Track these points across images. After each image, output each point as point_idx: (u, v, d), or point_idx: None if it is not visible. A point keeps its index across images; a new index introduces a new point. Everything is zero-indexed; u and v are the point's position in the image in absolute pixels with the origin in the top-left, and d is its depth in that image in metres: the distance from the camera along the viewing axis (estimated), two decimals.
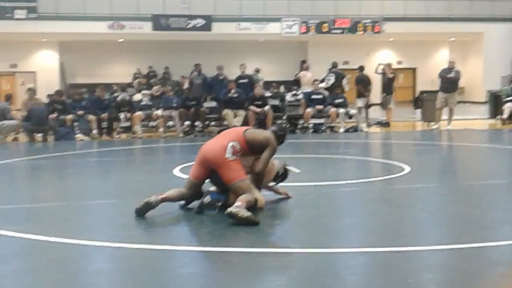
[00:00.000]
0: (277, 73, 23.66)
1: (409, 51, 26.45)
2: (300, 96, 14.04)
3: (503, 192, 5.99)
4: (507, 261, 3.60)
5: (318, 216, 4.84)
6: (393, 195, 5.86)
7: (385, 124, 14.50)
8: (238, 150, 4.81)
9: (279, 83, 19.57)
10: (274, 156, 5.13)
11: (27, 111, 12.34)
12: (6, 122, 12.10)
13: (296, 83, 16.32)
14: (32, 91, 13.69)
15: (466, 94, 24.45)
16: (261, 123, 12.78)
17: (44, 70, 24.01)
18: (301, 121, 13.57)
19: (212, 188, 4.98)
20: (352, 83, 15.38)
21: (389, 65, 15.15)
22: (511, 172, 7.73)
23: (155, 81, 18.27)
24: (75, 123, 12.54)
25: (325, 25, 22.98)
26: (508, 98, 14.67)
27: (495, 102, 16.23)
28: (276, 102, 13.98)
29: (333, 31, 23.12)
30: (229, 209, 4.42)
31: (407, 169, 7.16)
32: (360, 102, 14.66)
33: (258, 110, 12.98)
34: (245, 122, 12.65)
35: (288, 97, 14.43)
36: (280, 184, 5.43)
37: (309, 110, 13.25)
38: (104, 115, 12.75)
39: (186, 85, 15.35)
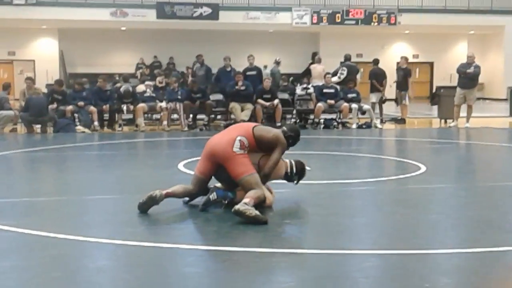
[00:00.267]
0: (287, 66, 23.20)
1: (426, 45, 26.08)
2: (311, 90, 13.72)
3: None
4: None
5: (329, 216, 4.76)
6: (408, 195, 5.78)
7: (400, 121, 14.21)
8: (246, 145, 4.74)
9: (289, 75, 19.13)
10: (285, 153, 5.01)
11: (25, 101, 12.15)
12: (4, 112, 11.92)
13: (305, 75, 15.88)
14: (31, 81, 13.43)
15: (486, 90, 24.17)
16: (269, 118, 12.56)
17: (44, 58, 23.64)
18: (311, 116, 13.31)
19: (219, 185, 4.90)
20: (366, 77, 15.08)
21: (405, 58, 14.76)
22: None
23: (159, 71, 18.07)
24: (76, 115, 12.37)
25: (338, 15, 22.64)
26: None
27: None
28: (285, 96, 13.61)
29: (346, 22, 22.74)
30: (236, 207, 4.31)
31: (422, 168, 7.06)
32: (374, 97, 14.33)
33: (267, 104, 12.69)
34: (252, 117, 12.43)
35: (299, 90, 14.11)
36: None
37: (320, 104, 12.88)
38: (106, 107, 12.48)
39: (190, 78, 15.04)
